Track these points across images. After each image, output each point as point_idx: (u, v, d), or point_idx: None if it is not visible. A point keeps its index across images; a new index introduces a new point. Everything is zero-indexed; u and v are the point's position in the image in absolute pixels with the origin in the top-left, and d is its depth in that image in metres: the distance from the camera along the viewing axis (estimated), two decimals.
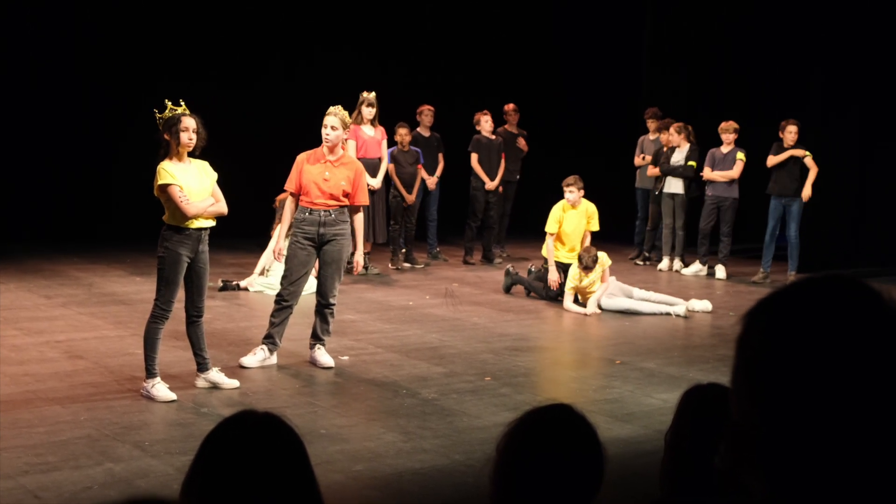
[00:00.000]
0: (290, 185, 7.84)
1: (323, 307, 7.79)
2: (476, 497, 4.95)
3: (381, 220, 11.97)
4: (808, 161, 11.89)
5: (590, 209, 11.01)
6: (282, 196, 9.90)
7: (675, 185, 12.84)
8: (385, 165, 11.80)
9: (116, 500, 0.94)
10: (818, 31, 13.16)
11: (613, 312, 10.25)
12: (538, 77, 16.71)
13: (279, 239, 7.91)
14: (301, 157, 7.87)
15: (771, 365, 1.09)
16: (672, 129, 12.80)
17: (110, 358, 7.75)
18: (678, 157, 12.78)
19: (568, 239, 10.91)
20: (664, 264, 13.04)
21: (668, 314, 10.10)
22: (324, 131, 7.77)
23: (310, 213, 7.72)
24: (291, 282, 7.72)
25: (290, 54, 15.09)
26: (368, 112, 11.45)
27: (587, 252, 10.25)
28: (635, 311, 10.20)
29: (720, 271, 12.49)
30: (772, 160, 12.01)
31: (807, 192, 11.90)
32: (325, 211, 7.71)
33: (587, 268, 10.23)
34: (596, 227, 11.03)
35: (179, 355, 7.63)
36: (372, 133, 11.60)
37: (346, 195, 7.80)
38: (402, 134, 12.36)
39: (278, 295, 7.77)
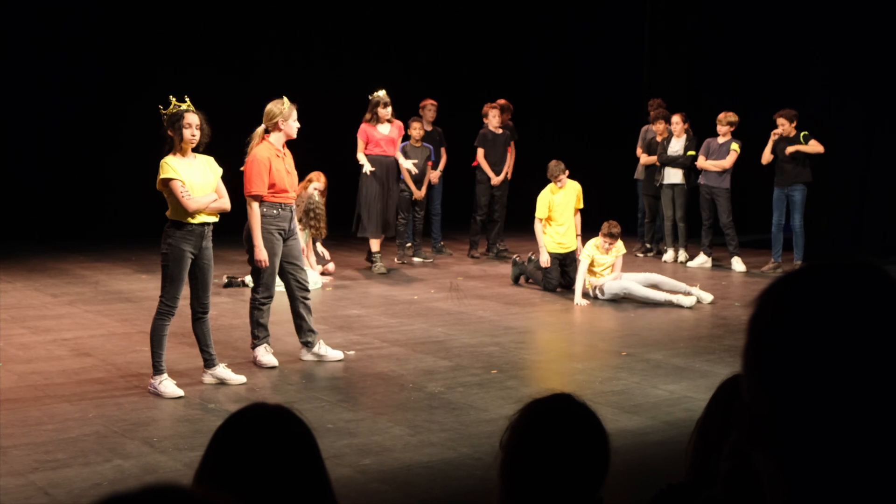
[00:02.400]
0: (261, 188, 7.49)
1: (306, 299, 7.77)
2: (484, 490, 4.96)
3: (393, 215, 11.90)
4: (807, 146, 11.88)
5: (576, 187, 11.16)
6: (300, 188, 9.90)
7: (674, 176, 12.80)
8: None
9: (133, 488, 0.95)
10: (819, 17, 13.13)
11: (614, 302, 10.26)
12: (539, 68, 16.70)
13: (259, 248, 7.46)
14: (263, 155, 7.53)
15: (783, 345, 1.09)
16: (677, 118, 12.74)
17: (117, 355, 7.77)
18: (676, 147, 12.74)
19: (559, 219, 11.01)
20: (668, 256, 13.02)
21: (671, 303, 10.09)
22: (296, 124, 7.70)
23: (282, 209, 7.63)
24: (274, 281, 7.66)
25: (291, 49, 15.09)
26: (385, 112, 11.40)
27: (612, 226, 10.30)
28: (636, 295, 10.21)
29: (738, 264, 12.35)
30: (766, 157, 12.01)
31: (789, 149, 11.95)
32: (292, 206, 7.75)
33: (611, 235, 10.29)
34: (581, 204, 11.18)
35: (186, 352, 7.65)
36: (387, 131, 11.54)
37: None
38: (416, 128, 12.39)
39: (264, 297, 7.63)
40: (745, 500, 2.11)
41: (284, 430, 2.07)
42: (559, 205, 11.06)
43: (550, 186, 11.11)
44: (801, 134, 11.94)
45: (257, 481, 1.98)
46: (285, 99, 7.72)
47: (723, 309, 10.10)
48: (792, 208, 12.06)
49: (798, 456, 1.08)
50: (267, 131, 7.67)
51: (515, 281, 11.33)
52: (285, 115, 7.63)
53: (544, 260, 10.95)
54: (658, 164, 12.94)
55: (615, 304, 10.28)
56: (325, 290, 10.72)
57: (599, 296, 10.39)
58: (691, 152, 12.65)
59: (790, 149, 11.86)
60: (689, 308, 10.03)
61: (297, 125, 7.71)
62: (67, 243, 13.05)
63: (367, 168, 11.41)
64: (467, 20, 16.28)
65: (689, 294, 10.21)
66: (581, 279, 10.39)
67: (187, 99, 6.86)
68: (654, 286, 10.43)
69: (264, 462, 2.00)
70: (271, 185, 7.57)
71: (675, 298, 10.12)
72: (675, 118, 12.78)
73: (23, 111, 13.33)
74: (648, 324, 9.44)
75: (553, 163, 11.12)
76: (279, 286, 7.89)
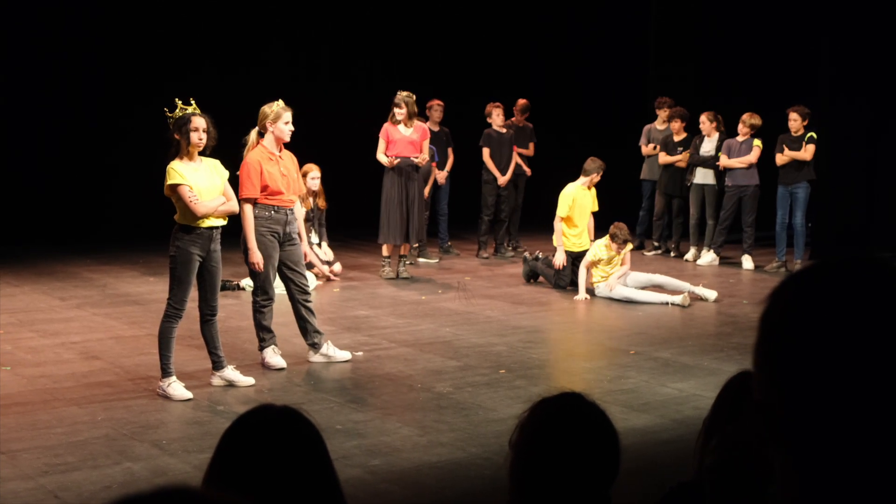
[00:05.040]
0: (253, 191, 7.48)
1: (308, 302, 7.75)
2: (493, 490, 4.96)
3: (418, 222, 11.41)
4: (796, 152, 11.89)
5: (592, 190, 11.14)
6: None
7: (705, 176, 12.73)
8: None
9: (145, 490, 0.95)
10: (825, 15, 13.10)
11: (617, 301, 10.25)
12: (545, 67, 16.70)
13: (254, 251, 7.46)
14: (254, 158, 7.52)
15: (793, 340, 1.09)
16: (704, 118, 12.71)
17: (126, 358, 7.78)
18: (708, 147, 12.67)
19: (578, 221, 10.99)
20: (691, 255, 12.96)
21: (667, 303, 10.06)
22: (288, 127, 7.60)
23: (275, 212, 7.58)
24: (271, 283, 7.64)
25: (297, 50, 15.10)
26: (399, 113, 11.10)
27: (619, 229, 10.31)
28: (636, 300, 10.20)
29: (747, 262, 12.35)
30: (779, 159, 12.03)
31: (781, 158, 11.95)
32: (289, 210, 7.67)
33: (626, 241, 10.35)
34: (596, 206, 11.20)
35: (194, 354, 7.66)
36: (407, 133, 11.21)
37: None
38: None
39: (263, 300, 7.61)
40: (730, 493, 2.11)
41: (292, 432, 2.07)
42: (579, 206, 11.03)
43: (578, 187, 11.05)
44: (808, 135, 11.91)
45: (265, 483, 1.98)
46: (279, 101, 7.68)
47: (731, 307, 10.08)
48: (794, 206, 12.04)
49: (809, 451, 1.08)
50: (261, 134, 7.66)
51: (528, 279, 11.30)
52: (272, 117, 7.57)
53: (559, 261, 10.90)
54: (688, 164, 12.90)
55: (621, 302, 10.27)
56: (334, 290, 10.73)
57: (602, 295, 10.41)
58: (722, 153, 12.56)
59: (782, 158, 11.91)
60: (686, 307, 9.97)
61: (290, 128, 7.60)
62: (75, 246, 13.07)
63: (385, 161, 11.09)
64: (473, 20, 16.27)
65: (690, 293, 10.17)
66: (583, 275, 10.41)
67: (193, 102, 6.87)
68: (658, 286, 10.42)
69: (272, 464, 2.00)
70: (264, 188, 7.53)
71: (672, 299, 10.06)
72: (703, 117, 12.72)
73: (29, 113, 13.35)
74: (656, 322, 9.43)
75: (595, 161, 11.02)
76: (280, 288, 7.90)
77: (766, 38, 14.69)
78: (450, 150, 13.03)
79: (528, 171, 13.46)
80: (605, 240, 10.43)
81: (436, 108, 12.91)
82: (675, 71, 15.47)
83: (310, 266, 11.00)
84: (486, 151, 12.99)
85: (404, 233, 11.28)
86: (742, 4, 14.88)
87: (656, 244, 13.55)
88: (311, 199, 11.36)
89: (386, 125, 11.24)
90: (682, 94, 14.21)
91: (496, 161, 13.00)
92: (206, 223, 6.76)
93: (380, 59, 15.57)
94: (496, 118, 13.00)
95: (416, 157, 11.21)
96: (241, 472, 2.00)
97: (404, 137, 11.20)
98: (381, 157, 11.22)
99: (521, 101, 13.50)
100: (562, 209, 10.99)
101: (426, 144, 11.42)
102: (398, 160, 11.13)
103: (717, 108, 12.98)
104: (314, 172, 11.33)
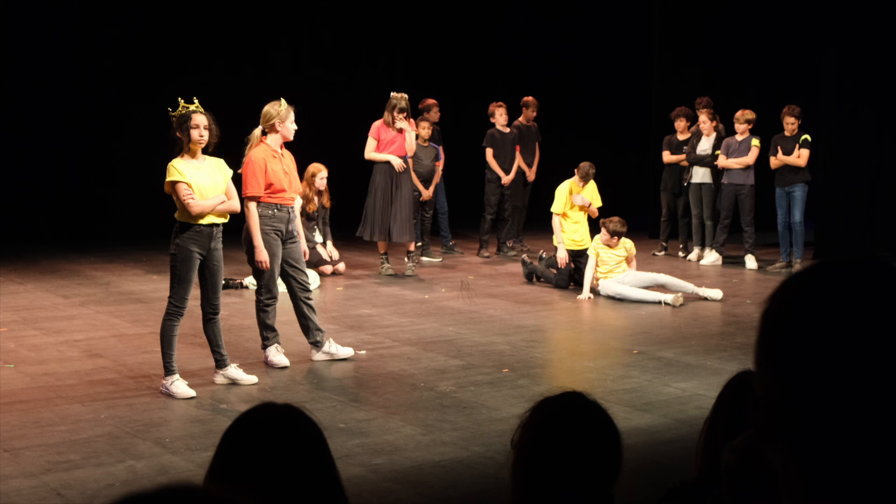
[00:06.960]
0: (257, 189, 7.47)
1: (308, 300, 7.75)
2: (496, 489, 4.96)
3: (403, 220, 11.38)
4: (789, 157, 11.88)
5: (591, 185, 11.16)
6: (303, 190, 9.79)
7: (702, 175, 12.71)
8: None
9: (150, 488, 0.95)
10: (829, 15, 13.08)
11: (620, 299, 10.24)
12: (546, 67, 16.69)
13: (260, 250, 7.44)
14: (258, 156, 7.52)
15: (795, 336, 1.09)
16: (704, 116, 12.66)
17: (129, 356, 7.79)
18: (705, 146, 12.65)
19: (574, 216, 10.99)
20: (694, 255, 12.94)
21: (660, 302, 10.04)
22: (293, 126, 7.62)
23: (278, 210, 7.58)
24: (275, 282, 7.63)
25: (299, 50, 15.11)
26: (399, 117, 11.08)
27: (611, 221, 10.32)
28: (630, 298, 10.19)
29: (750, 261, 12.30)
30: (772, 163, 12.02)
31: (775, 161, 11.97)
32: (290, 207, 7.67)
33: (615, 233, 10.34)
34: (599, 202, 11.19)
35: (198, 352, 7.67)
36: (397, 133, 11.21)
37: None
38: (424, 127, 12.31)
39: (267, 299, 7.61)
40: (747, 493, 2.11)
41: (293, 430, 2.07)
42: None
43: (572, 183, 11.05)
44: (802, 137, 11.88)
45: (266, 481, 1.98)
46: (283, 100, 7.67)
47: (734, 306, 10.07)
48: (793, 206, 12.02)
49: (811, 448, 1.08)
50: (264, 133, 7.66)
51: (529, 279, 11.31)
52: (282, 116, 7.57)
53: (562, 257, 10.90)
54: (686, 163, 12.86)
55: (624, 301, 10.26)
56: (337, 289, 10.74)
57: (601, 292, 10.42)
58: (718, 151, 12.53)
59: (774, 162, 11.91)
60: (678, 306, 9.94)
61: (294, 127, 7.64)
62: (78, 244, 13.09)
63: (397, 162, 11.11)
64: (473, 19, 16.26)
65: (692, 293, 10.17)
66: (590, 274, 10.40)
67: (195, 100, 6.87)
68: (661, 286, 10.40)
69: (273, 462, 2.00)
70: (268, 186, 7.53)
71: (664, 298, 10.04)
72: (703, 116, 12.70)
73: (32, 112, 13.37)
74: (660, 322, 9.42)
75: (588, 165, 11.03)
76: (282, 286, 7.90)
77: (770, 38, 14.66)
78: (440, 148, 12.97)
79: (530, 177, 13.41)
80: (600, 234, 10.46)
81: (434, 108, 12.85)
82: (679, 71, 15.44)
83: (317, 264, 11.03)
84: (489, 152, 12.97)
85: (383, 229, 11.24)
86: (746, 4, 14.86)
87: (664, 244, 13.51)
88: (315, 199, 11.37)
89: (378, 124, 11.22)
90: (685, 94, 14.18)
91: (500, 161, 12.97)
92: (207, 220, 6.76)
93: (381, 58, 15.55)
94: (499, 118, 12.97)
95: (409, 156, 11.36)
96: (243, 471, 2.00)
97: (394, 138, 11.21)
98: (375, 154, 11.23)
99: (532, 100, 13.42)
100: (556, 205, 11.02)
101: (411, 136, 11.35)
102: (398, 161, 11.17)
103: (720, 107, 12.95)
104: (322, 173, 11.33)
